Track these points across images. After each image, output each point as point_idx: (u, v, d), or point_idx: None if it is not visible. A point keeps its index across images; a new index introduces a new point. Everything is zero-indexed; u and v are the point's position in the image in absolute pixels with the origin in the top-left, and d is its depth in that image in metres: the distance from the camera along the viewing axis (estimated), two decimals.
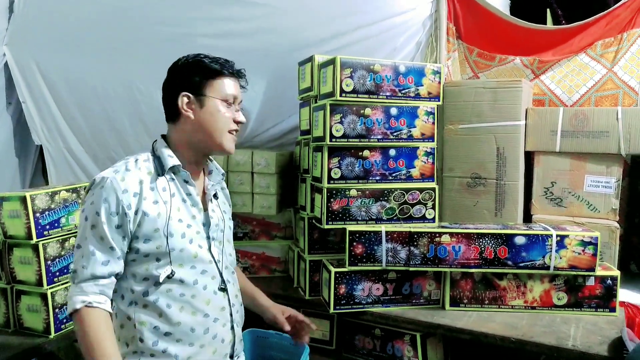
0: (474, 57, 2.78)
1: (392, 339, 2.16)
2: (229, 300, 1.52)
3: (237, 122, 1.52)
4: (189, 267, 1.43)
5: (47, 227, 2.03)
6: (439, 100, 2.17)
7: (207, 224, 1.49)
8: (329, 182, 2.08)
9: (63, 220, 2.10)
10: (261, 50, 2.59)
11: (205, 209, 1.51)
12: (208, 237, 1.49)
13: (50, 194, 2.06)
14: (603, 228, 2.20)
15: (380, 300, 2.08)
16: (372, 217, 2.12)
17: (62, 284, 2.07)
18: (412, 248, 2.02)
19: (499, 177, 2.35)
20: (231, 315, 1.52)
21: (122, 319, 1.43)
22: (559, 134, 2.31)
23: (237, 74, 1.53)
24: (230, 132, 1.50)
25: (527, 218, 2.41)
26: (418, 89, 2.13)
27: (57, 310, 2.03)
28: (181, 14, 2.68)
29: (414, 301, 2.10)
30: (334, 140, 2.04)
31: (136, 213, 1.37)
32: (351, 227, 2.06)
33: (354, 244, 2.03)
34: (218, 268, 1.50)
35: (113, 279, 1.37)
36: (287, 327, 1.74)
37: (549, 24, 2.67)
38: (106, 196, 1.34)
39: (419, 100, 2.14)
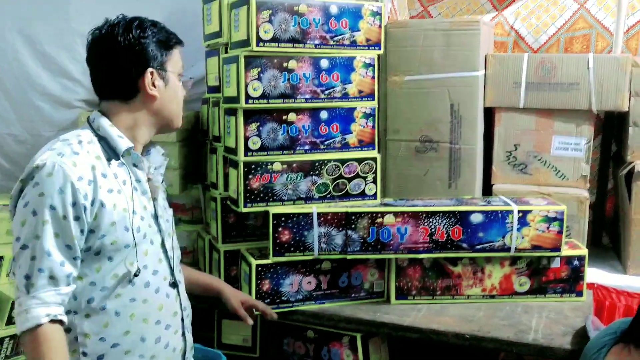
0: None
1: (328, 341, 2.12)
2: (180, 303, 1.55)
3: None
4: (141, 266, 1.43)
5: None
6: (379, 48, 2.07)
7: (155, 216, 1.51)
8: (246, 155, 1.95)
9: None
10: None
11: (155, 198, 1.52)
12: (160, 231, 1.51)
13: None
14: (571, 198, 2.22)
15: (312, 296, 2.03)
16: (301, 195, 2.04)
17: None
18: (349, 232, 1.98)
19: (454, 140, 2.32)
20: (182, 320, 1.56)
21: None
22: (523, 86, 2.27)
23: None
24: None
25: (487, 188, 2.40)
26: (354, 35, 2.02)
27: None
28: None
29: (353, 295, 2.08)
30: (250, 101, 1.91)
31: (92, 204, 1.35)
32: (275, 209, 1.97)
33: (280, 229, 1.96)
34: (170, 266, 1.52)
35: (72, 286, 1.34)
36: (250, 322, 1.85)
37: None
38: (61, 186, 1.30)
39: (355, 48, 2.03)
